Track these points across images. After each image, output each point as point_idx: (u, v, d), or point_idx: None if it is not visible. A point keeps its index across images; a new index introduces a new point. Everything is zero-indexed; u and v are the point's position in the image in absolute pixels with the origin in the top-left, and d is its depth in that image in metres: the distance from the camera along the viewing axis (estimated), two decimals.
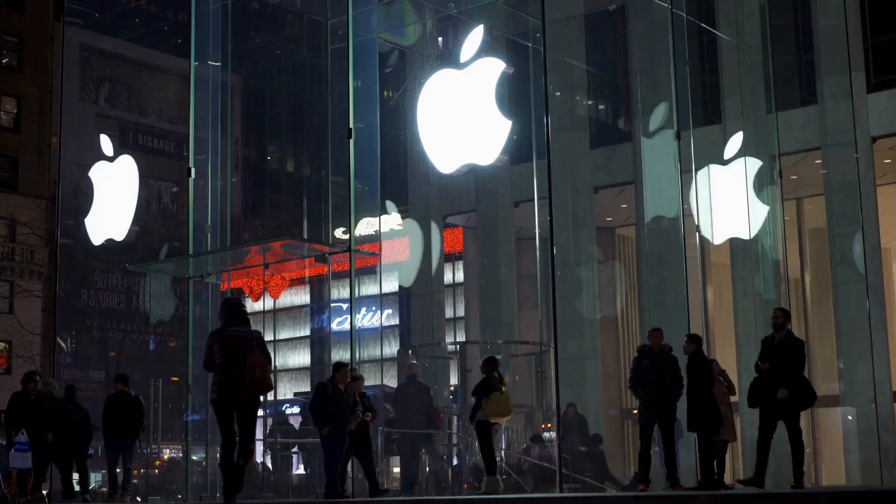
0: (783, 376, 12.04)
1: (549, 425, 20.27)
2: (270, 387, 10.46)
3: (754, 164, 18.38)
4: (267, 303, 41.89)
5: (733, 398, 14.69)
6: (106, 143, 17.60)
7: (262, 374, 9.92)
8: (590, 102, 26.96)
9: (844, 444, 22.59)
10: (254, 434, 10.54)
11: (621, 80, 26.45)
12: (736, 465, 20.30)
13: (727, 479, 14.94)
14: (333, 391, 13.32)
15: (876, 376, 19.94)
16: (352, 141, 13.86)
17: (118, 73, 45.40)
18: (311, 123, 42.45)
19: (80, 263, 35.01)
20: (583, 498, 10.76)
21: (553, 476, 18.11)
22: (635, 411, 15.08)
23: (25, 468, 14.77)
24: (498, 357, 15.04)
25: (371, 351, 32.09)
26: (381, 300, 29.07)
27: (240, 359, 9.95)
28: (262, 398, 10.78)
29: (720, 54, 23.75)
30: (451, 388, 23.64)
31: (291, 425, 21.88)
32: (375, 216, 18.85)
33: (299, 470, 20.71)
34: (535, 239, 20.93)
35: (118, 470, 15.22)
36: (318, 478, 20.61)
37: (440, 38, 24.43)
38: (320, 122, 32.31)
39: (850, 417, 22.13)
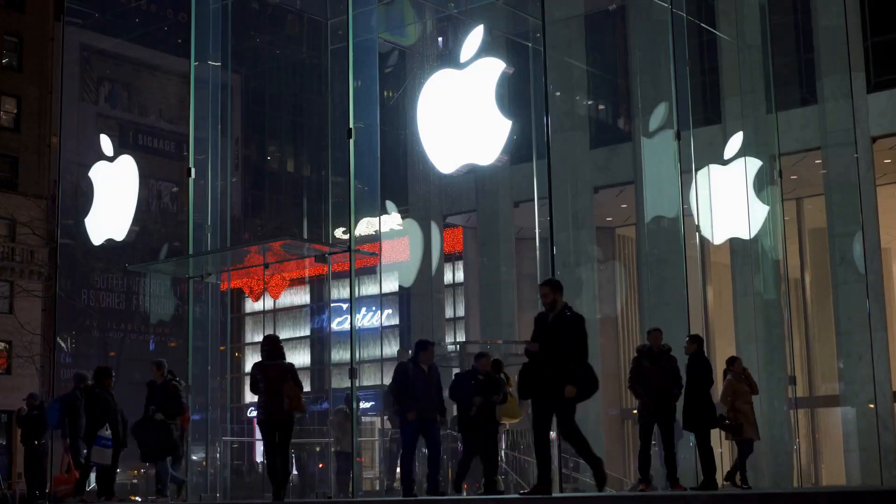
0: (557, 360, 9.99)
1: None
2: (303, 410, 12.68)
3: (754, 164, 18.38)
4: (267, 303, 41.93)
5: (755, 396, 14.75)
6: (106, 143, 17.56)
7: (295, 402, 12.18)
8: (590, 102, 26.96)
9: (844, 444, 22.58)
10: (289, 442, 12.61)
11: (621, 80, 26.45)
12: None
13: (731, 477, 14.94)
14: (415, 373, 12.29)
15: (876, 376, 19.95)
16: (352, 141, 13.82)
17: (118, 73, 45.41)
18: (311, 123, 42.43)
19: (80, 263, 35.04)
20: (583, 498, 10.75)
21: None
22: (635, 411, 15.09)
23: (106, 463, 14.77)
24: (498, 357, 15.03)
25: (371, 351, 32.07)
26: (381, 300, 29.08)
27: (278, 387, 12.11)
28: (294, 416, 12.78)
29: (720, 54, 23.76)
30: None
31: None
32: (375, 216, 18.82)
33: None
34: (535, 239, 20.89)
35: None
36: (317, 477, 20.61)
37: (440, 38, 24.43)
38: (320, 122, 32.31)
39: (850, 417, 22.12)
